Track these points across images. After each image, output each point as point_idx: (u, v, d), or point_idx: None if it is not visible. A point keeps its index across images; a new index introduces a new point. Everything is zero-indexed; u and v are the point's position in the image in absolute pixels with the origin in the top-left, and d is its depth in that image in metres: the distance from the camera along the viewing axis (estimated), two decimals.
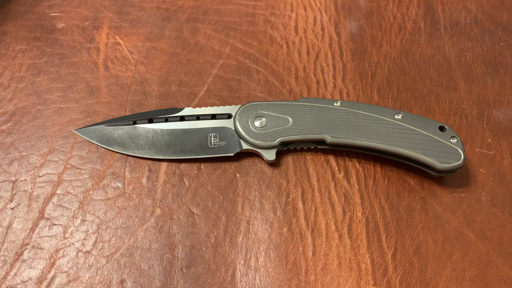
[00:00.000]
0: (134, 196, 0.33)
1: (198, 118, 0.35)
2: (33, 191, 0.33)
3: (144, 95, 0.38)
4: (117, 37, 0.42)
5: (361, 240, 0.31)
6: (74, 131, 0.36)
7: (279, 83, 0.39)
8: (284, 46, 0.42)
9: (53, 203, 0.33)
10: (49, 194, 0.33)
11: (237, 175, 0.34)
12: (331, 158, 0.35)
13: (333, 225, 0.32)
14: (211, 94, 0.38)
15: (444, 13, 0.45)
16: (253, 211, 0.32)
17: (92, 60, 0.40)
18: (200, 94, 0.38)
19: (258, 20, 0.44)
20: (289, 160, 0.35)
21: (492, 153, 0.35)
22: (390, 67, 0.40)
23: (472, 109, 0.38)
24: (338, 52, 0.41)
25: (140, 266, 0.30)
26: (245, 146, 0.34)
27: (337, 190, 0.33)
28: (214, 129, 0.35)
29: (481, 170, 0.34)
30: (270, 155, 0.34)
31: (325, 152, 0.35)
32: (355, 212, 0.32)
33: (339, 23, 0.43)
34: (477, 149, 0.35)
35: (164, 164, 0.34)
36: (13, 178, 0.34)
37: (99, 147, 0.35)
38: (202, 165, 0.35)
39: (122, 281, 0.30)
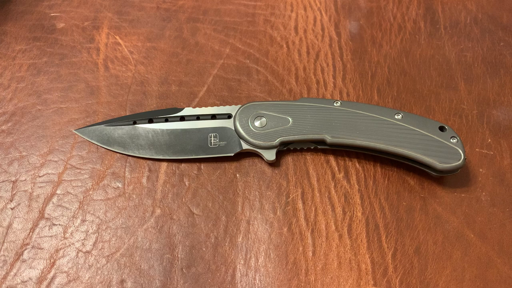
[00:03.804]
0: (134, 196, 0.33)
1: (198, 118, 0.35)
2: (33, 191, 0.33)
3: (144, 95, 0.38)
4: (117, 37, 0.42)
5: (361, 240, 0.31)
6: (74, 131, 0.36)
7: (279, 83, 0.39)
8: (284, 46, 0.42)
9: (53, 203, 0.33)
10: (49, 194, 0.33)
11: (237, 175, 0.34)
12: (331, 158, 0.35)
13: (333, 225, 0.32)
14: (211, 94, 0.38)
15: (444, 13, 0.45)
16: (253, 211, 0.32)
17: (92, 60, 0.40)
18: (200, 94, 0.38)
19: (258, 20, 0.44)
20: (289, 160, 0.35)
21: (492, 153, 0.35)
22: (390, 67, 0.40)
23: (472, 109, 0.38)
24: (338, 52, 0.41)
25: (140, 266, 0.30)
26: (245, 146, 0.34)
27: (337, 190, 0.33)
28: (214, 129, 0.35)
29: (481, 170, 0.34)
30: (270, 155, 0.34)
31: (325, 152, 0.35)
32: (355, 212, 0.32)
33: (339, 23, 0.43)
34: (477, 149, 0.35)
35: (164, 164, 0.34)
36: (13, 178, 0.34)
37: (99, 147, 0.35)
38: (202, 165, 0.35)
39: (122, 281, 0.30)
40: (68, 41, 0.42)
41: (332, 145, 0.34)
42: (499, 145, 0.35)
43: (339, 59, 0.41)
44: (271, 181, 0.34)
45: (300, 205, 0.33)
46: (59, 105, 0.38)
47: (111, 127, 0.35)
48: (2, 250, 0.31)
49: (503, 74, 0.40)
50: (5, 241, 0.31)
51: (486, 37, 0.43)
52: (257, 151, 0.34)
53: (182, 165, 0.35)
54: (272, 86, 0.39)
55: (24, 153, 0.35)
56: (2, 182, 0.34)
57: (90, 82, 0.39)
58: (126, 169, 0.34)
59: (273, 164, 0.35)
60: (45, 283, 0.30)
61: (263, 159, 0.34)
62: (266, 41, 0.42)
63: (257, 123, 0.34)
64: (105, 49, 0.41)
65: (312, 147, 0.35)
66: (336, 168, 0.34)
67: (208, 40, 0.42)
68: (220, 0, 0.45)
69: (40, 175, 0.34)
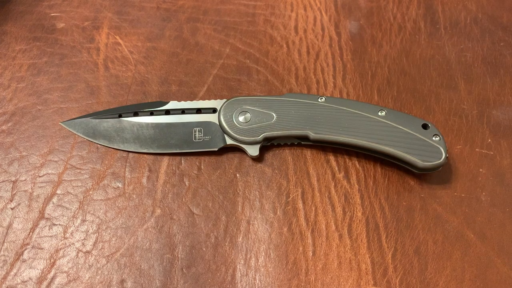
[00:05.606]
0: (134, 196, 0.33)
1: (183, 112, 0.35)
2: (33, 191, 0.33)
3: (144, 95, 0.38)
4: (117, 37, 0.42)
5: (361, 240, 0.31)
6: (60, 123, 0.36)
7: (279, 83, 0.39)
8: (284, 46, 0.42)
9: (53, 203, 0.33)
10: (49, 194, 0.33)
11: (237, 175, 0.34)
12: (331, 158, 0.35)
13: (333, 225, 0.32)
14: (211, 94, 0.38)
15: (444, 13, 0.45)
16: (253, 211, 0.33)
17: (92, 60, 0.40)
18: (200, 94, 0.38)
19: (258, 20, 0.44)
20: (289, 160, 0.35)
21: (492, 153, 0.35)
22: (390, 67, 0.40)
23: (472, 109, 0.38)
24: (338, 52, 0.41)
25: (140, 266, 0.30)
26: (229, 141, 0.34)
27: (337, 190, 0.33)
28: (198, 124, 0.35)
29: (481, 170, 0.34)
30: (254, 151, 0.34)
31: (325, 151, 0.35)
32: (355, 212, 0.32)
33: (339, 23, 0.43)
34: (477, 149, 0.35)
35: (165, 164, 0.34)
36: (13, 178, 0.34)
37: (99, 147, 0.35)
38: (202, 165, 0.35)
39: (122, 281, 0.30)
40: (68, 41, 0.42)
41: (315, 141, 0.34)
42: (499, 145, 0.35)
43: (339, 59, 0.41)
44: (271, 181, 0.34)
45: (300, 205, 0.33)
46: (59, 105, 0.38)
47: (97, 120, 0.35)
48: (2, 250, 0.31)
49: (503, 74, 0.40)
50: (5, 241, 0.31)
51: (486, 37, 0.43)
52: (241, 146, 0.34)
53: (182, 165, 0.35)
54: (272, 86, 0.39)
55: (24, 153, 0.35)
56: (2, 182, 0.34)
57: (90, 82, 0.39)
58: (126, 169, 0.34)
59: (273, 164, 0.35)
60: (45, 283, 0.30)
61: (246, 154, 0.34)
62: (266, 41, 0.42)
63: (241, 118, 0.34)
64: (105, 49, 0.41)
65: (296, 143, 0.35)
66: (336, 168, 0.34)
67: (208, 40, 0.42)
68: (220, 0, 0.45)
69: (40, 175, 0.34)
